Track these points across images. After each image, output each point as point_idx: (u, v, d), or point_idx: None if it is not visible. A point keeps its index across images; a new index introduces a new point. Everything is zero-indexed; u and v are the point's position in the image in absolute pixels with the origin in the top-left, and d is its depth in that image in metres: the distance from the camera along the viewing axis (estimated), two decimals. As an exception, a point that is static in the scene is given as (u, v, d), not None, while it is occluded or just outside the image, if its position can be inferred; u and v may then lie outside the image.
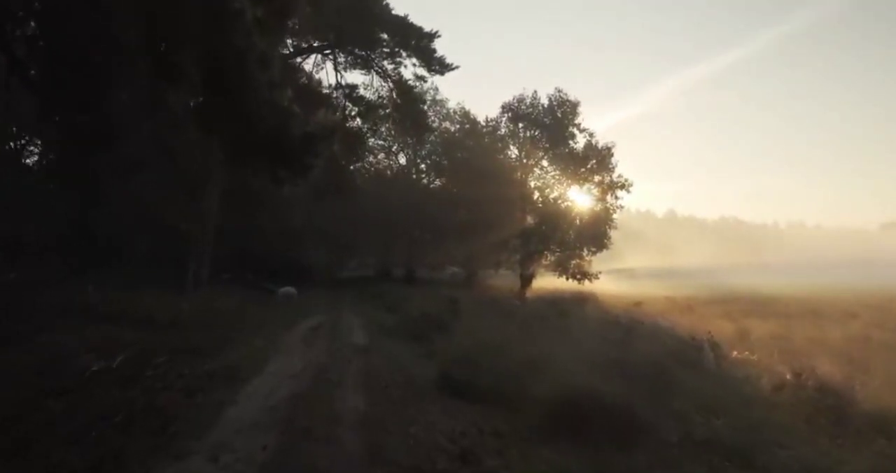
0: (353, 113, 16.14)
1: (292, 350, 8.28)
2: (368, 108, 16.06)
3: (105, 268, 19.88)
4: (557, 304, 17.23)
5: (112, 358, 6.75)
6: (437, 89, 32.78)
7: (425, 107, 16.34)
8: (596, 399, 4.62)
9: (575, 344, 7.92)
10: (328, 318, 12.99)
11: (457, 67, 15.73)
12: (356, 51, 15.65)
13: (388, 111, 16.89)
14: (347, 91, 15.59)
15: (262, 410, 4.89)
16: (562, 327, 10.60)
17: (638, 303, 18.81)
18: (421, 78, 15.75)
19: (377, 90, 16.48)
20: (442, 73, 15.72)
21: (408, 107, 16.03)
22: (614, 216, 30.21)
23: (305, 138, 7.42)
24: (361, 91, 15.95)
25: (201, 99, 6.73)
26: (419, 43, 14.86)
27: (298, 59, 16.27)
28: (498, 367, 6.20)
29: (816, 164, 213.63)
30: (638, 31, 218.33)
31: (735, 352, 7.78)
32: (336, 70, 15.75)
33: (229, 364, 6.98)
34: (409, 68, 15.66)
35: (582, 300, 20.68)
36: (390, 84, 15.94)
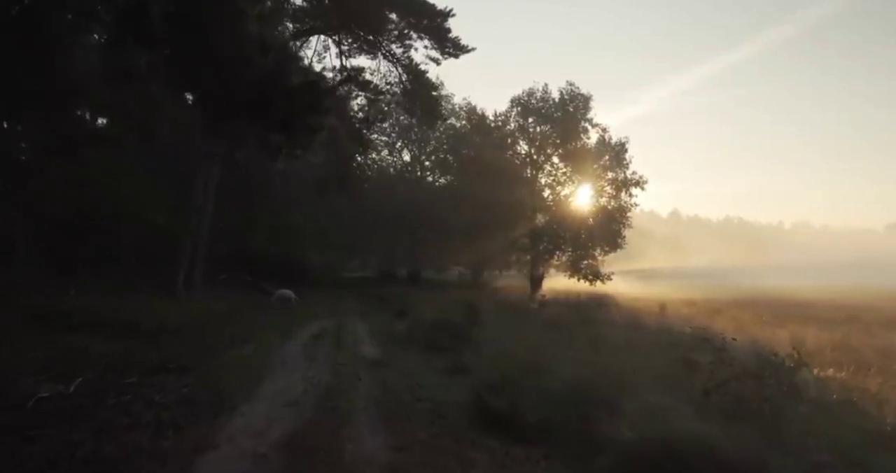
0: (359, 99, 14.93)
1: (291, 364, 7.04)
2: (376, 94, 14.81)
3: (96, 269, 18.73)
4: (579, 308, 15.99)
5: (70, 379, 5.53)
6: (442, 84, 31.60)
7: (437, 94, 15.04)
8: (704, 446, 3.38)
9: (629, 361, 6.67)
10: (331, 324, 11.75)
11: (472, 49, 14.48)
12: (362, 33, 14.42)
13: (397, 97, 15.59)
14: (353, 74, 14.31)
15: (251, 460, 3.66)
16: (598, 337, 9.34)
17: (663, 306, 17.52)
18: (434, 60, 14.49)
19: (385, 76, 15.28)
20: (457, 56, 14.42)
21: (419, 94, 14.78)
22: (629, 214, 29.05)
23: (307, 88, 5.82)
24: (368, 76, 14.74)
25: (170, 42, 5.32)
26: (432, 22, 13.58)
27: (297, 44, 15.01)
28: (548, 394, 4.96)
29: (821, 164, 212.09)
30: (638, 32, 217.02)
31: (817, 370, 6.52)
32: (340, 55, 14.54)
33: (215, 384, 5.75)
34: (421, 51, 14.44)
35: (601, 303, 19.40)
36: (399, 69, 14.69)
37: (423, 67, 14.38)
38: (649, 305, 19.22)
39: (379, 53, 14.62)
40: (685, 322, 14.04)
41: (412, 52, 14.45)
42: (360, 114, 16.47)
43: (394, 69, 14.78)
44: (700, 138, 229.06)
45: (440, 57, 14.38)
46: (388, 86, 15.20)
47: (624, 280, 35.25)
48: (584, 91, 29.41)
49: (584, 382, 5.19)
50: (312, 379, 6.21)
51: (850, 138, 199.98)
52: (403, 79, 14.79)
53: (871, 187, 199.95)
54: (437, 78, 20.68)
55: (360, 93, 14.77)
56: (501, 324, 10.97)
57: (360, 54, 15.35)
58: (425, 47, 14.35)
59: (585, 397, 4.80)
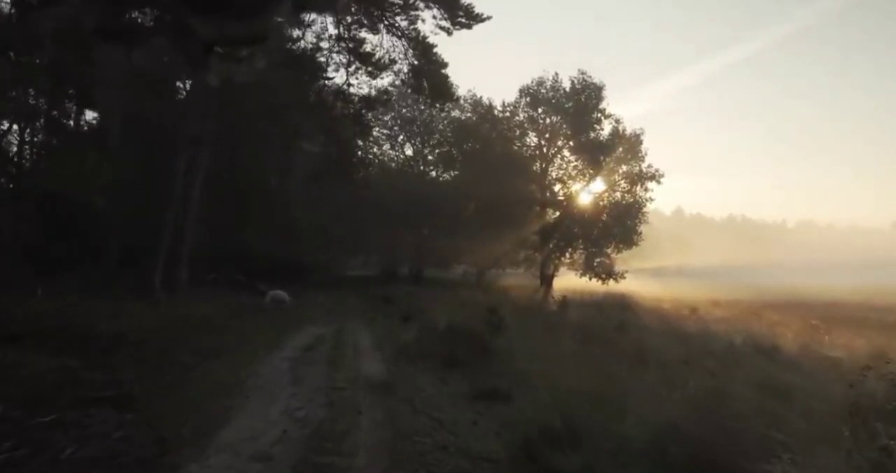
0: (360, 74, 13.28)
1: (272, 390, 5.49)
2: (379, 68, 13.18)
3: (78, 268, 17.38)
4: (602, 310, 14.46)
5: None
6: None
7: (446, 73, 13.50)
8: None
9: (708, 385, 5.13)
10: (328, 331, 10.21)
11: (488, 18, 12.81)
12: (362, 5, 12.82)
13: (401, 75, 13.96)
14: (352, 46, 12.69)
15: None
16: (646, 348, 7.81)
17: (693, 309, 15.97)
18: (445, 30, 12.80)
19: (388, 51, 13.63)
20: (469, 26, 12.77)
21: (427, 70, 13.17)
22: (645, 210, 27.53)
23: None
24: (369, 48, 13.06)
25: None
26: (442, -13, 12.00)
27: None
28: (632, 445, 3.41)
29: (824, 162, 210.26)
30: (638, 30, 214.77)
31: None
32: (339, 25, 12.88)
33: (162, 423, 4.21)
34: (429, 22, 12.80)
35: (623, 304, 17.87)
36: (405, 43, 13.06)
37: (431, 40, 12.80)
38: (675, 306, 17.72)
39: (381, 26, 13.04)
40: (726, 326, 12.54)
41: (419, 24, 12.90)
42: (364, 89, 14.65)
43: (398, 44, 13.21)
44: (701, 136, 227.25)
45: (451, 27, 12.72)
46: (392, 64, 13.58)
47: (635, 278, 33.80)
48: (596, 80, 27.87)
49: (681, 426, 3.63)
50: (297, 413, 4.67)
51: (853, 135, 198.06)
52: (409, 55, 13.21)
53: (875, 185, 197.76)
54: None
55: (360, 66, 13.17)
56: (524, 331, 9.43)
57: (360, 30, 13.79)
58: (434, 17, 12.78)
59: (695, 453, 3.26)
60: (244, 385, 5.61)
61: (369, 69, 13.10)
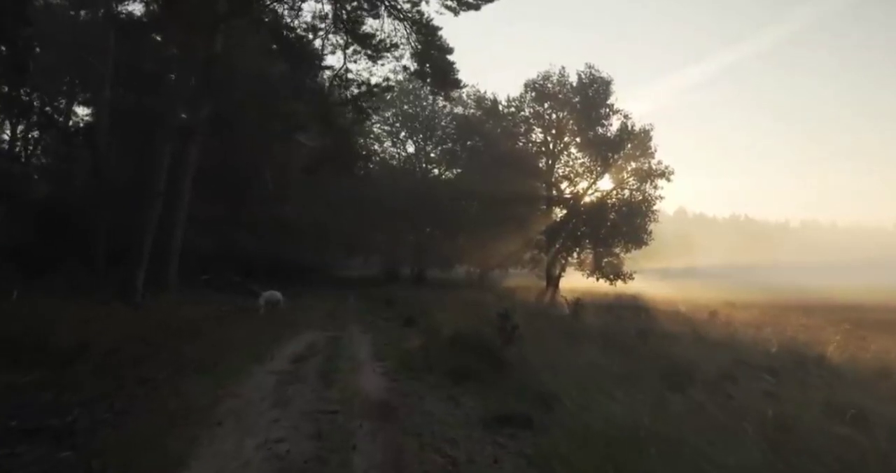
0: (359, 58, 12.34)
1: (250, 415, 4.60)
2: (378, 51, 12.23)
3: (66, 269, 16.57)
4: (617, 314, 13.56)
5: None
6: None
7: (451, 59, 12.54)
8: None
9: (771, 411, 4.24)
10: (323, 338, 9.34)
11: (495, -1, 11.98)
12: (362, -13, 11.94)
13: (404, 60, 13.00)
14: (349, 26, 11.74)
15: None
16: (677, 360, 6.91)
17: (713, 313, 15.06)
18: (452, 10, 11.86)
19: (389, 35, 12.66)
20: (477, 7, 11.74)
21: (431, 55, 12.22)
22: (655, 208, 26.60)
23: None
24: (369, 30, 12.10)
25: None
26: (447, -36, 11.07)
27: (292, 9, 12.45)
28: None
29: (825, 161, 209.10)
30: (639, 29, 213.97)
31: None
32: (338, 11, 11.88)
33: (104, 465, 3.34)
34: (433, 2, 11.86)
35: (637, 307, 16.96)
36: (407, 25, 12.12)
37: (436, 22, 11.86)
38: (691, 309, 16.82)
39: (382, 9, 12.10)
40: (754, 331, 11.65)
41: (423, 5, 11.97)
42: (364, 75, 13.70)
43: (401, 27, 12.26)
44: (703, 135, 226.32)
45: (457, 7, 11.79)
46: (394, 48, 12.60)
47: (642, 279, 32.92)
48: (604, 74, 26.92)
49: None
50: (277, 449, 3.79)
51: (855, 135, 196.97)
52: (412, 39, 12.27)
53: (877, 184, 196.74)
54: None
55: (359, 49, 12.22)
56: (540, 338, 8.53)
57: (361, 15, 12.85)
58: (439, -1, 11.84)
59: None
60: (218, 408, 4.73)
61: (369, 52, 12.17)
